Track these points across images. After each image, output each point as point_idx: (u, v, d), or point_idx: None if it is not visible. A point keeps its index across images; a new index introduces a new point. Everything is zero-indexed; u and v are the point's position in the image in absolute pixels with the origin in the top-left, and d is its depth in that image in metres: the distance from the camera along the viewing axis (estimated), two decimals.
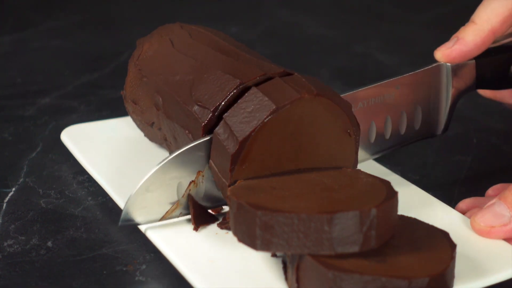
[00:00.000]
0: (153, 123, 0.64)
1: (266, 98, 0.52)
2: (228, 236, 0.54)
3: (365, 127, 0.60)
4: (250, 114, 0.52)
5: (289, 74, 0.56)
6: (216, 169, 0.53)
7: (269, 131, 0.52)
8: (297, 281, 0.47)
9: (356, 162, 0.57)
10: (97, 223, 0.59)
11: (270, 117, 0.51)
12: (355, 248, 0.45)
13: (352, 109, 0.55)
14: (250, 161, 0.52)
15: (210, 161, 0.54)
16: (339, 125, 0.54)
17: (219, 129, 0.53)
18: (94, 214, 0.60)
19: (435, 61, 0.65)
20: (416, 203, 0.58)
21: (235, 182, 0.52)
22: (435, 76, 0.62)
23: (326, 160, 0.55)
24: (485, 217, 0.53)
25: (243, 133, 0.51)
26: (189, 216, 0.55)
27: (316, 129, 0.54)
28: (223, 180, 0.53)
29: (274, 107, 0.51)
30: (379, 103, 0.61)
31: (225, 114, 0.53)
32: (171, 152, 0.57)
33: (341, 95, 0.56)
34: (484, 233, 0.53)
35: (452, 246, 0.47)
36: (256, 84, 0.54)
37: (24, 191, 0.64)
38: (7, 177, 0.66)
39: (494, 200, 0.54)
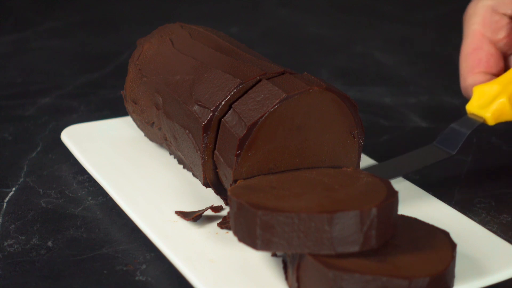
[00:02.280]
0: (153, 123, 0.64)
1: (276, 88, 0.53)
2: (228, 236, 0.54)
3: None
4: (259, 102, 0.53)
5: (290, 74, 0.56)
6: (222, 159, 0.54)
7: (277, 120, 0.52)
8: (298, 280, 0.47)
9: (358, 165, 0.57)
10: (97, 223, 0.59)
11: (279, 104, 0.52)
12: (355, 248, 0.45)
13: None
14: (256, 149, 0.52)
15: (216, 151, 0.55)
16: (344, 125, 0.55)
17: (227, 117, 0.54)
18: (94, 214, 0.60)
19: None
20: (416, 202, 0.58)
21: (239, 171, 0.52)
22: None
23: (328, 159, 0.55)
24: None
25: (251, 119, 0.52)
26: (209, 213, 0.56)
27: (321, 126, 0.54)
28: (228, 169, 0.53)
29: (284, 95, 0.52)
30: None
31: (234, 103, 0.54)
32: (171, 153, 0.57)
33: None
34: None
35: (453, 245, 0.47)
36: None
37: (24, 191, 0.64)
38: (7, 177, 0.66)
39: None
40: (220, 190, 0.58)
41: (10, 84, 0.91)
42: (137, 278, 0.52)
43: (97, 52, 1.06)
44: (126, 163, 0.65)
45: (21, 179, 0.66)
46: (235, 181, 0.53)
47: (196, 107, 0.56)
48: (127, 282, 0.51)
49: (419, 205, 0.58)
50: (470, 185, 0.66)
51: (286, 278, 0.49)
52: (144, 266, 0.53)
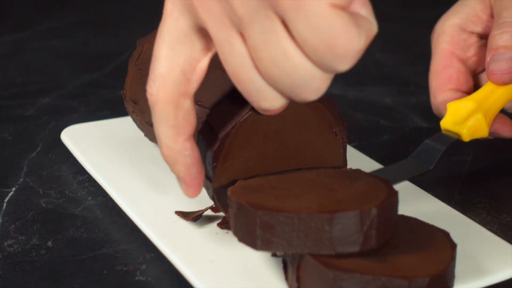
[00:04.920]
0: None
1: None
2: (228, 236, 0.54)
3: None
4: (232, 111, 0.52)
5: None
6: None
7: (250, 128, 0.51)
8: (298, 280, 0.47)
9: (345, 161, 0.56)
10: (97, 223, 0.59)
11: (249, 113, 0.51)
12: (355, 248, 0.45)
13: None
14: (232, 159, 0.52)
15: None
16: (323, 124, 0.54)
17: (203, 129, 0.53)
18: (94, 214, 0.60)
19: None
20: (416, 202, 0.58)
21: (218, 182, 0.52)
22: None
23: (312, 159, 0.55)
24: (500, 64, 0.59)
25: (223, 131, 0.51)
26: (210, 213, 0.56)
27: (299, 127, 0.54)
28: (207, 180, 0.52)
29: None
30: None
31: (208, 114, 0.53)
32: None
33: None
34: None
35: (452, 246, 0.47)
36: None
37: (24, 191, 0.64)
38: (7, 177, 0.66)
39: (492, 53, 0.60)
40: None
41: (10, 84, 0.92)
42: (137, 278, 0.52)
43: (97, 52, 1.06)
44: (126, 163, 0.65)
45: (21, 179, 0.66)
46: (215, 192, 0.52)
47: (196, 107, 0.56)
48: (127, 282, 0.52)
49: (419, 205, 0.58)
50: (470, 185, 0.66)
51: (286, 278, 0.49)
52: (144, 266, 0.53)
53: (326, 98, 0.54)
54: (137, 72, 0.65)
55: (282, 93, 0.43)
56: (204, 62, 0.46)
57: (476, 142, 0.74)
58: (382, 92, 0.91)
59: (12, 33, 1.13)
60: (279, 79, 0.41)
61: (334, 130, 0.55)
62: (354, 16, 0.40)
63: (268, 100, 0.43)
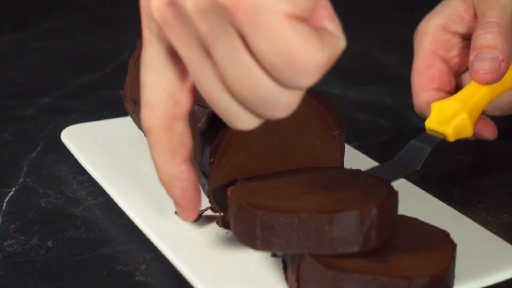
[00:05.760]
0: None
1: None
2: (228, 236, 0.54)
3: None
4: None
5: None
6: (198, 166, 0.53)
7: None
8: (297, 280, 0.47)
9: (342, 166, 0.56)
10: (97, 223, 0.59)
11: None
12: (355, 248, 0.45)
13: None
14: (229, 156, 0.52)
15: (193, 158, 0.54)
16: (323, 127, 0.54)
17: (202, 125, 0.53)
18: (94, 214, 0.60)
19: None
20: (416, 203, 0.58)
21: (215, 179, 0.52)
22: None
23: (309, 161, 0.55)
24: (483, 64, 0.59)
25: (222, 127, 0.51)
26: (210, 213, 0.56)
27: (298, 129, 0.53)
28: (203, 176, 0.52)
29: None
30: None
31: (209, 110, 0.53)
32: None
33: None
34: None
35: (452, 246, 0.47)
36: None
37: (24, 191, 0.64)
38: (7, 177, 0.66)
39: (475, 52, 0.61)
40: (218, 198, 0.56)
41: (10, 84, 0.91)
42: (137, 278, 0.52)
43: (97, 52, 1.06)
44: (126, 163, 0.65)
45: (21, 179, 0.66)
46: (211, 189, 0.52)
47: (196, 107, 0.56)
48: (127, 282, 0.51)
49: (419, 205, 0.58)
50: (470, 185, 0.66)
51: (286, 278, 0.49)
52: (144, 266, 0.53)
53: (327, 101, 0.54)
54: (137, 72, 0.65)
55: (253, 112, 0.42)
56: (189, 82, 0.45)
57: (476, 142, 0.74)
58: (382, 92, 0.91)
59: (12, 33, 1.13)
60: (247, 98, 0.40)
61: (332, 134, 0.55)
62: (317, 30, 0.39)
63: (240, 122, 0.42)
